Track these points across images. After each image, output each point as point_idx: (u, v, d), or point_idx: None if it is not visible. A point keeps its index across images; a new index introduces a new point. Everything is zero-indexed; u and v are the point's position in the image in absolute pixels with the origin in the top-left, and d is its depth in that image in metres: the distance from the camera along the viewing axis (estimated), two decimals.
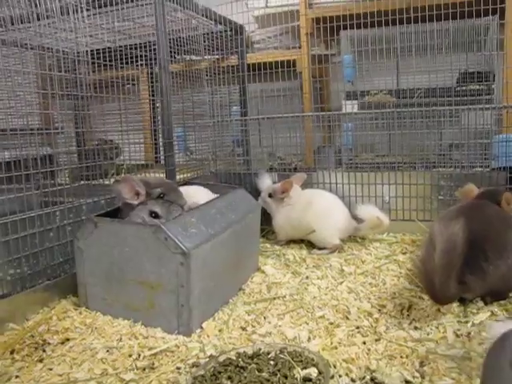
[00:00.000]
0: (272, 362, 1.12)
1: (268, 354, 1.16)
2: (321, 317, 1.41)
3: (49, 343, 1.34)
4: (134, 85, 4.01)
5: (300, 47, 3.61)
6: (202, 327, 1.37)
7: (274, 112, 3.11)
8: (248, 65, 3.38)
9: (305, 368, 1.07)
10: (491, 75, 3.28)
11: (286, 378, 1.05)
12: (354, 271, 1.74)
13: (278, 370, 1.07)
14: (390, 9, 3.15)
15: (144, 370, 1.17)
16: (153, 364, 1.19)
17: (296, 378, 1.04)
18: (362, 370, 1.14)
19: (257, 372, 1.08)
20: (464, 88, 3.34)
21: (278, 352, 1.16)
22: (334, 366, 1.16)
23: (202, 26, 3.01)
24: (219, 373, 1.09)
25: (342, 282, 1.64)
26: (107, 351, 1.28)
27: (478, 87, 3.39)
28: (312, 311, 1.45)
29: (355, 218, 2.00)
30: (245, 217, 1.63)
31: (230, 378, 1.07)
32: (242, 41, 3.20)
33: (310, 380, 1.03)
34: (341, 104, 3.55)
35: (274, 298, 1.55)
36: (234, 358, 1.15)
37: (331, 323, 1.37)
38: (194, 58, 3.54)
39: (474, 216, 1.44)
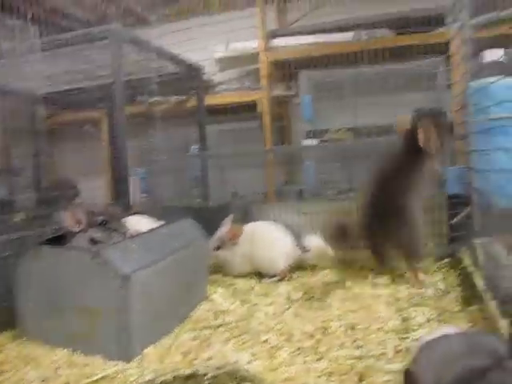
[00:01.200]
0: (207, 382, 1.10)
1: (205, 375, 1.15)
2: (264, 341, 1.41)
3: None
4: (94, 127, 4.05)
5: (260, 89, 3.71)
6: (142, 353, 1.35)
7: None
8: (209, 106, 3.46)
9: None
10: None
11: None
12: (302, 297, 1.74)
13: None
14: (347, 51, 3.29)
15: None
16: None
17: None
18: None
19: None
20: None
21: (215, 372, 1.14)
22: None
23: (160, 67, 3.09)
24: None
25: (288, 308, 1.64)
26: (42, 381, 1.24)
27: None
28: (257, 336, 1.44)
29: (303, 247, 2.04)
30: (190, 245, 1.64)
31: None
32: (200, 81, 3.29)
33: None
34: (301, 143, 3.63)
35: (220, 325, 1.54)
36: (171, 379, 1.14)
37: (274, 346, 1.37)
38: (153, 99, 3.60)
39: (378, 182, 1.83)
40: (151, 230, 1.58)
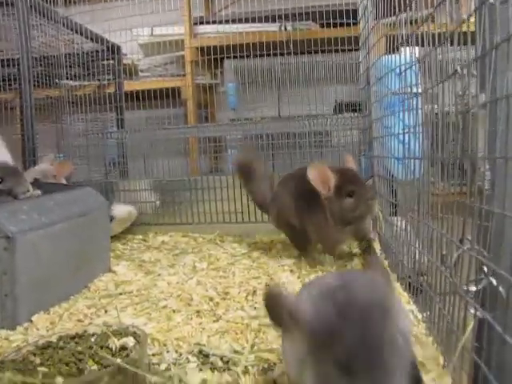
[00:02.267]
0: (92, 339, 1.06)
1: (93, 335, 1.10)
2: (163, 306, 1.38)
3: None
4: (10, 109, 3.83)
5: (184, 75, 3.64)
6: (31, 320, 1.28)
7: (157, 139, 3.08)
8: (132, 92, 3.37)
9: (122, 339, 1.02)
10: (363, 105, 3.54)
11: (101, 348, 0.99)
12: (207, 267, 1.73)
13: (96, 344, 1.02)
14: (272, 41, 3.30)
15: None
16: None
17: (111, 348, 0.99)
18: (191, 345, 1.11)
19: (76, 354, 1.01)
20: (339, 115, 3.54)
21: (103, 331, 1.10)
22: (165, 345, 1.13)
23: (77, 44, 2.98)
24: (34, 355, 1.01)
25: (192, 277, 1.61)
26: None
27: (351, 115, 3.61)
28: (156, 302, 1.41)
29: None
30: (90, 212, 1.57)
31: (43, 362, 0.99)
32: (120, 61, 3.20)
33: (126, 348, 0.99)
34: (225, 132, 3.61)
35: (120, 294, 1.49)
36: (55, 340, 1.08)
37: (172, 310, 1.34)
38: (74, 83, 3.46)
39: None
40: (46, 195, 1.50)
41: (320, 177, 1.55)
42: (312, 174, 1.54)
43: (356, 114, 2.78)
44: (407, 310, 1.11)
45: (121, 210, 2.12)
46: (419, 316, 1.13)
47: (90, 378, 0.88)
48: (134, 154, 3.08)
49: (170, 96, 3.77)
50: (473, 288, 0.73)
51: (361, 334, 0.63)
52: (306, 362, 0.69)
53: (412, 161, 1.16)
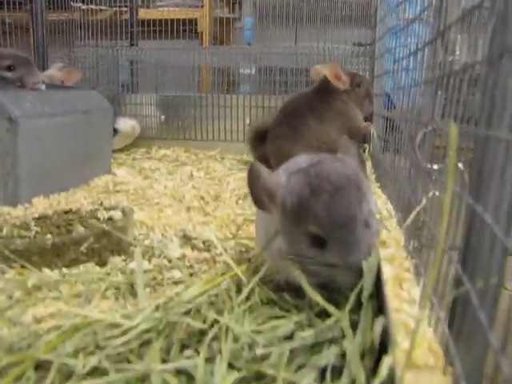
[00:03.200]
0: (84, 213, 1.13)
1: (86, 212, 1.17)
2: (157, 203, 1.45)
3: None
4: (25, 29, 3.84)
5: (202, 6, 3.59)
6: (31, 202, 1.36)
7: (169, 66, 3.05)
8: (148, 21, 3.33)
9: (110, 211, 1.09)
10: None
11: (90, 218, 1.07)
12: (203, 176, 1.79)
13: (86, 216, 1.09)
14: None
15: None
16: None
17: (99, 218, 1.07)
18: (177, 230, 1.18)
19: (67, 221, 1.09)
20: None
21: (95, 208, 1.17)
22: (152, 228, 1.20)
23: None
24: (32, 221, 1.09)
25: (188, 183, 1.68)
26: None
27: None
28: (151, 200, 1.48)
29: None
30: (93, 112, 1.63)
31: (38, 226, 1.07)
32: None
33: (112, 219, 1.06)
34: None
35: (118, 191, 1.57)
36: (50, 213, 1.15)
37: (164, 205, 1.41)
38: (87, 7, 3.43)
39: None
40: (52, 90, 1.56)
41: (333, 73, 1.65)
42: (327, 72, 1.63)
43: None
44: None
45: (125, 124, 2.17)
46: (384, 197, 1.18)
47: (77, 236, 0.95)
48: (144, 75, 3.07)
49: (187, 27, 3.73)
50: (435, 166, 0.77)
51: (332, 208, 0.67)
52: (280, 233, 0.74)
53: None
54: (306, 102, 1.66)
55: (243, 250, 1.08)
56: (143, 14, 3.55)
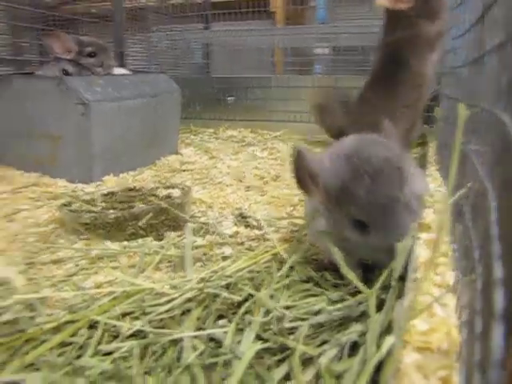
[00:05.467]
0: (145, 191, 1.21)
1: (147, 189, 1.25)
2: (219, 182, 1.51)
3: None
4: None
5: None
6: (102, 180, 1.47)
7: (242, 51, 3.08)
8: (219, 3, 3.36)
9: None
10: None
11: (150, 195, 1.15)
12: (266, 156, 1.83)
13: (146, 194, 1.17)
14: None
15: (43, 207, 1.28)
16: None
17: (158, 196, 1.14)
18: (234, 209, 1.23)
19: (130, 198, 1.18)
20: None
21: (154, 186, 1.25)
22: (210, 206, 1.26)
23: None
24: (93, 200, 1.18)
25: (251, 163, 1.73)
26: (12, 194, 1.38)
27: None
28: (213, 179, 1.54)
29: None
30: (161, 95, 1.71)
31: (104, 202, 1.16)
32: None
33: (170, 197, 1.13)
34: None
35: (183, 171, 1.65)
36: (116, 191, 1.24)
37: (225, 184, 1.47)
38: None
39: None
40: (123, 75, 1.65)
41: None
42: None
43: None
44: (424, 175, 1.13)
45: None
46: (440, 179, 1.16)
47: (137, 212, 1.03)
48: (216, 57, 3.12)
49: (259, 8, 3.72)
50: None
51: (373, 191, 0.69)
52: (322, 216, 0.77)
53: None
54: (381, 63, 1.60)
55: (295, 229, 1.11)
56: None
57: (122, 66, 1.76)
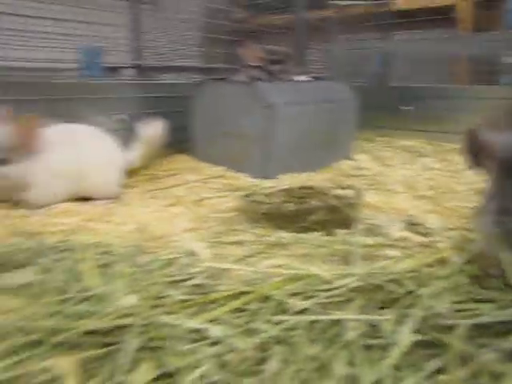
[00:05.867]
0: (320, 189, 1.28)
1: (321, 188, 1.32)
2: (390, 189, 1.52)
3: (160, 176, 1.68)
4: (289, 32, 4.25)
5: None
6: (278, 178, 1.58)
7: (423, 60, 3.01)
8: (400, 12, 3.28)
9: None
10: None
11: (324, 194, 1.22)
12: (442, 168, 1.79)
13: (321, 192, 1.24)
14: None
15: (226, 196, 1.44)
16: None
17: (331, 195, 1.21)
18: (402, 215, 1.25)
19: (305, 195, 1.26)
20: None
21: (329, 186, 1.31)
22: (380, 211, 1.29)
23: None
24: (273, 193, 1.29)
25: (424, 173, 1.70)
26: (201, 183, 1.57)
27: None
28: (385, 185, 1.56)
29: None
30: (338, 101, 1.78)
31: (282, 196, 1.27)
32: None
33: (343, 197, 1.19)
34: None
35: (355, 176, 1.69)
36: (292, 188, 1.34)
37: (396, 192, 1.48)
38: (345, 3, 3.59)
39: None
40: (304, 81, 1.76)
41: None
42: None
43: None
44: None
45: None
46: None
47: (311, 207, 1.11)
48: (396, 67, 3.07)
49: (443, 15, 3.55)
50: None
51: None
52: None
53: None
54: None
55: (464, 241, 1.08)
56: (403, 3, 3.50)
57: (303, 73, 1.87)
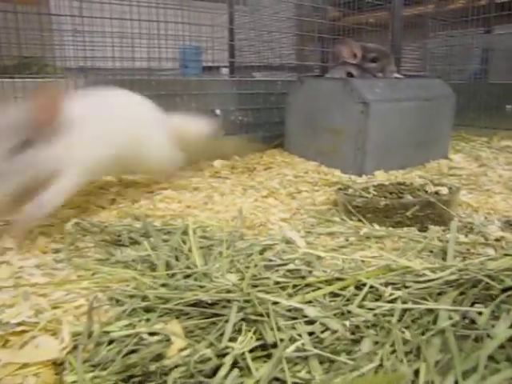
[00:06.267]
0: (414, 186, 1.29)
1: (416, 185, 1.32)
2: (487, 189, 1.48)
3: (256, 168, 1.75)
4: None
5: None
6: (373, 174, 1.59)
7: None
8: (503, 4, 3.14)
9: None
10: None
11: (418, 190, 1.22)
12: None
13: (416, 188, 1.25)
14: None
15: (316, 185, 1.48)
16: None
17: (427, 191, 1.21)
18: (501, 215, 1.22)
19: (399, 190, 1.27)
20: None
21: (423, 182, 1.31)
22: (476, 210, 1.27)
23: None
24: (366, 188, 1.31)
25: None
26: (294, 177, 1.62)
27: None
28: (482, 186, 1.51)
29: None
30: (435, 99, 1.75)
31: (375, 191, 1.28)
32: None
33: (438, 193, 1.18)
34: None
35: (451, 175, 1.65)
36: (386, 183, 1.35)
37: (493, 192, 1.44)
38: None
39: None
40: (399, 78, 1.75)
41: None
42: None
43: None
44: None
45: None
46: None
47: (405, 202, 1.12)
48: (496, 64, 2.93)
49: None
50: None
51: None
52: None
53: None
54: None
55: None
56: None
57: (399, 70, 1.86)
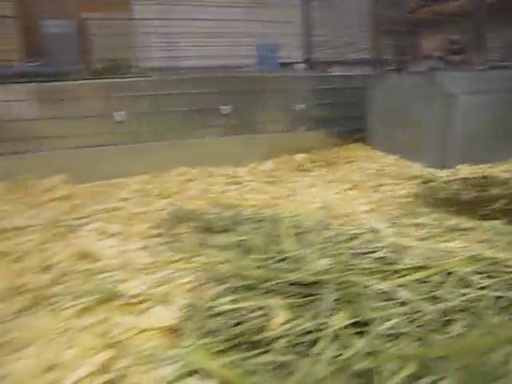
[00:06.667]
0: (500, 179, 1.27)
1: (502, 178, 1.31)
2: None
3: (336, 162, 1.78)
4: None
5: None
6: (456, 168, 1.58)
7: None
8: None
9: None
10: None
11: (503, 184, 1.21)
12: None
13: (502, 181, 1.24)
14: None
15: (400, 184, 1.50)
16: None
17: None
18: None
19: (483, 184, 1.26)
20: None
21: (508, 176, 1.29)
22: None
23: None
24: (449, 182, 1.31)
25: None
26: (376, 170, 1.64)
27: None
28: None
29: None
30: None
31: (459, 184, 1.28)
32: None
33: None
34: None
35: None
36: (470, 177, 1.35)
37: None
38: None
39: None
40: (485, 69, 1.71)
41: None
42: None
43: None
44: None
45: None
46: None
47: (491, 195, 1.12)
48: None
49: None
50: None
51: None
52: None
53: None
54: None
55: None
56: None
57: (482, 62, 1.81)
